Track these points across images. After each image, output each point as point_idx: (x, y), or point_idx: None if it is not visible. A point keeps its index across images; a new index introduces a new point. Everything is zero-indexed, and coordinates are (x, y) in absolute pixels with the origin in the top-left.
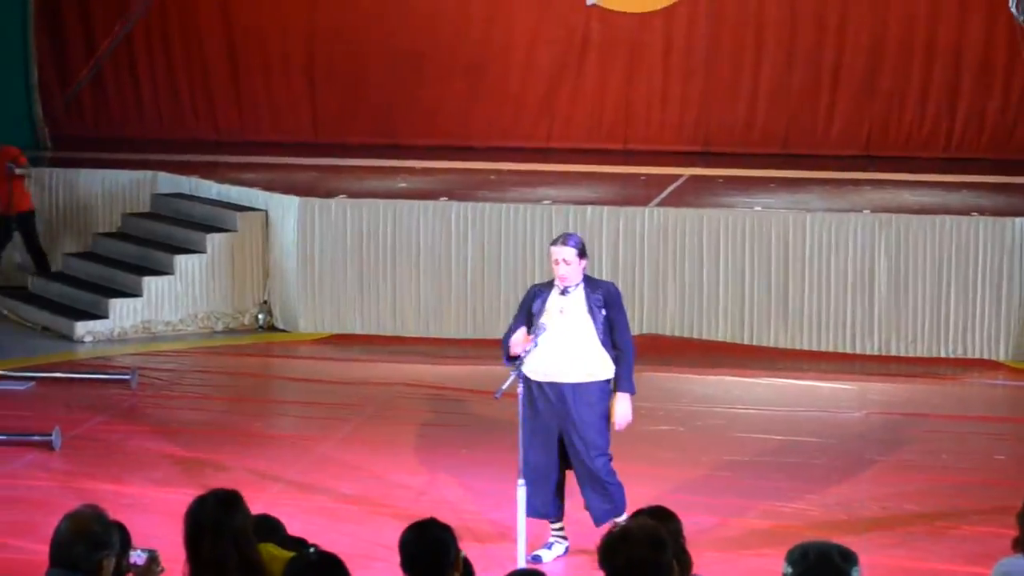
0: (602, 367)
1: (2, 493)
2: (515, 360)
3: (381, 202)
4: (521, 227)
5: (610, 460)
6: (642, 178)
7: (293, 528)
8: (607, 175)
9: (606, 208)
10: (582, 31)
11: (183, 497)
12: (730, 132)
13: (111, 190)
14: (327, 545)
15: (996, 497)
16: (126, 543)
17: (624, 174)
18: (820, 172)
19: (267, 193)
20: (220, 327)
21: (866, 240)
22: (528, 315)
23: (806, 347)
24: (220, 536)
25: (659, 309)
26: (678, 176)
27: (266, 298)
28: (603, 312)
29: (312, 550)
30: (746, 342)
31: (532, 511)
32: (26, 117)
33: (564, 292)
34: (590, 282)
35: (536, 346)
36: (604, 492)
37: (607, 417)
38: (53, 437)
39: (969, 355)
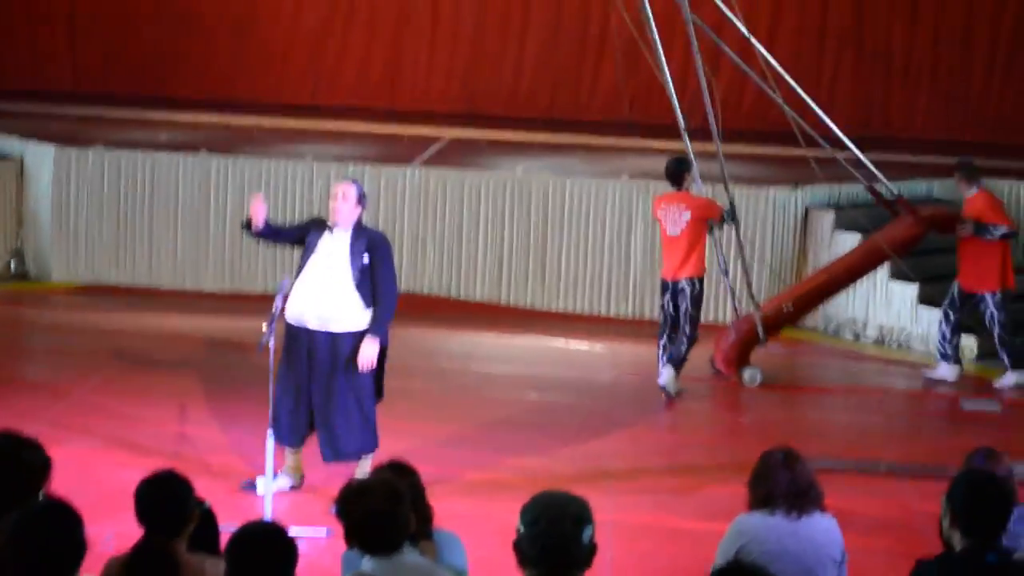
0: (355, 316)
1: None
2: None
3: (140, 153)
4: (282, 183)
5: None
6: (405, 138)
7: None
8: (371, 135)
9: (368, 166)
10: None
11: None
12: (495, 97)
13: None
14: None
15: (737, 456)
16: None
17: (388, 134)
18: (583, 137)
19: (22, 141)
20: None
21: (624, 206)
22: (299, 238)
23: (562, 309)
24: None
25: (418, 268)
26: (441, 138)
27: (19, 246)
28: (364, 259)
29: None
30: (503, 303)
31: (280, 440)
32: None
33: (330, 230)
34: (359, 230)
35: (280, 306)
36: (332, 434)
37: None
38: None
39: (723, 321)
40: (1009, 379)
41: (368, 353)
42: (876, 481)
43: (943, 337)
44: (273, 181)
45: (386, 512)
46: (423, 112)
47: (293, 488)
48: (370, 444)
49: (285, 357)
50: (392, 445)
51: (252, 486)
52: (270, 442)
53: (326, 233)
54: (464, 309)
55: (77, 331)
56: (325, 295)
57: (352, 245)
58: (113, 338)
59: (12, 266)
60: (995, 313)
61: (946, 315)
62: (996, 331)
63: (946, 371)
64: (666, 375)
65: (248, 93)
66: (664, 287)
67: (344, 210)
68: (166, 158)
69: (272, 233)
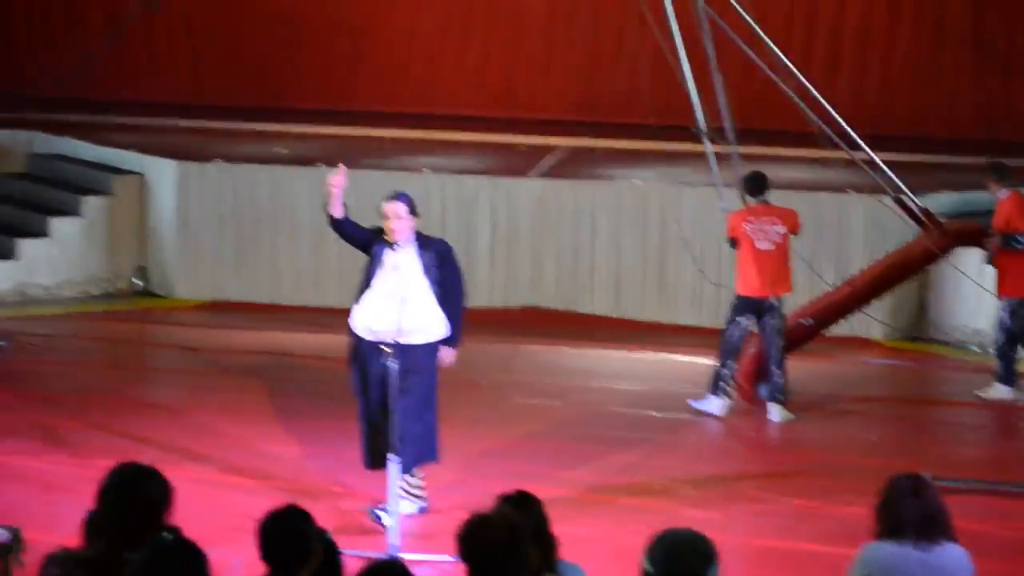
0: (436, 329)
1: None
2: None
3: (259, 167)
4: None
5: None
6: (523, 148)
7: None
8: (488, 144)
9: (485, 178)
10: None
11: (54, 466)
12: (612, 102)
13: None
14: (196, 518)
15: (866, 478)
16: None
17: (505, 144)
18: (697, 145)
19: (144, 156)
20: (97, 292)
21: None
22: (366, 245)
23: (683, 322)
24: (118, 502)
25: (536, 281)
26: (558, 147)
27: (143, 263)
28: (436, 271)
29: (168, 534)
30: (623, 317)
31: (372, 463)
32: None
33: (393, 247)
34: (422, 240)
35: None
36: (408, 447)
37: (432, 377)
38: None
39: (844, 333)
40: (997, 392)
41: (449, 360)
42: (1008, 502)
43: (999, 354)
44: (387, 192)
45: (506, 548)
46: (540, 120)
47: (422, 511)
48: (428, 453)
49: (360, 374)
50: (513, 466)
51: (378, 517)
52: (393, 467)
53: (388, 248)
54: (583, 323)
55: (199, 349)
56: (405, 308)
57: (421, 258)
58: (234, 356)
59: (137, 283)
60: (1006, 320)
61: (1005, 330)
62: (999, 337)
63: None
64: (777, 412)
65: (365, 103)
66: (748, 305)
67: (401, 228)
68: (285, 172)
69: (349, 228)
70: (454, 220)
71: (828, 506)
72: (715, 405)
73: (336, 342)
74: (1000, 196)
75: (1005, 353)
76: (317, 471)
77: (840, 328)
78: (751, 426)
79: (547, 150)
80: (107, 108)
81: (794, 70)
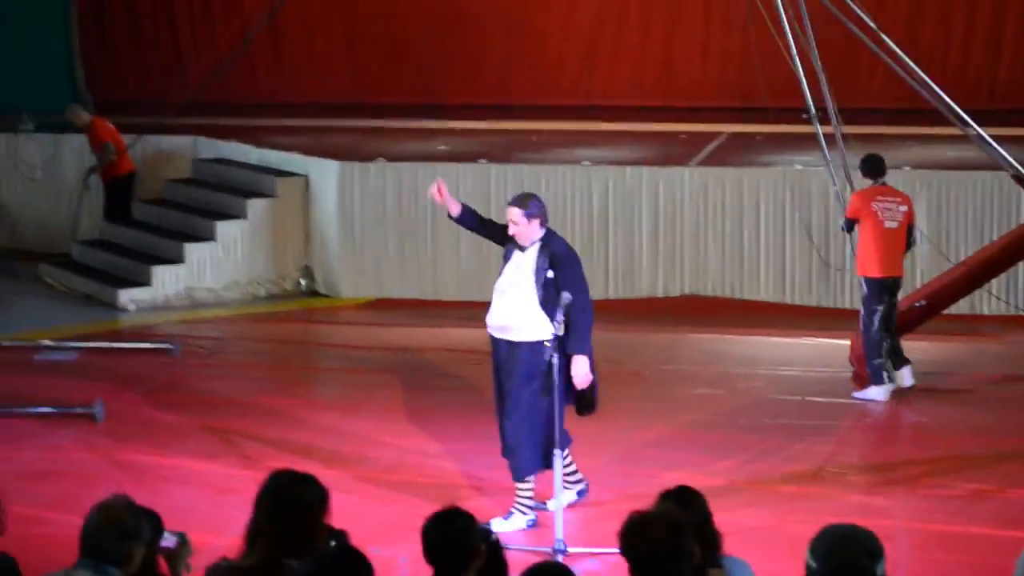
0: (536, 329)
1: (45, 466)
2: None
3: (420, 165)
4: (560, 189)
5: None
6: (682, 136)
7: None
8: (647, 133)
9: (645, 169)
10: None
11: (223, 469)
12: (770, 88)
13: (153, 155)
14: (364, 519)
15: None
16: (157, 530)
17: (664, 132)
18: (858, 127)
19: (307, 158)
20: (262, 293)
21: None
22: (501, 240)
23: (848, 306)
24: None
25: (700, 270)
26: (718, 134)
27: (308, 263)
28: (547, 273)
29: (334, 544)
30: (787, 302)
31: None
32: (68, 80)
33: (522, 249)
34: (548, 242)
35: (561, 319)
36: (510, 457)
37: (535, 379)
38: (96, 409)
39: (1011, 312)
40: None
41: (579, 371)
42: None
43: None
44: (552, 187)
45: (669, 547)
46: (697, 108)
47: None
48: (527, 467)
49: (493, 367)
50: (678, 455)
51: (540, 506)
52: (558, 462)
53: (516, 248)
54: (748, 309)
55: (365, 347)
56: (509, 306)
57: (538, 260)
58: (400, 354)
59: (302, 284)
60: None
61: None
62: None
63: None
64: (908, 374)
65: (522, 96)
66: (883, 288)
67: (519, 232)
68: (446, 169)
69: (476, 222)
70: (615, 211)
71: (1000, 490)
72: (877, 392)
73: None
74: None
75: None
76: (473, 465)
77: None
78: (914, 410)
79: (707, 137)
80: (269, 111)
81: (896, 49)
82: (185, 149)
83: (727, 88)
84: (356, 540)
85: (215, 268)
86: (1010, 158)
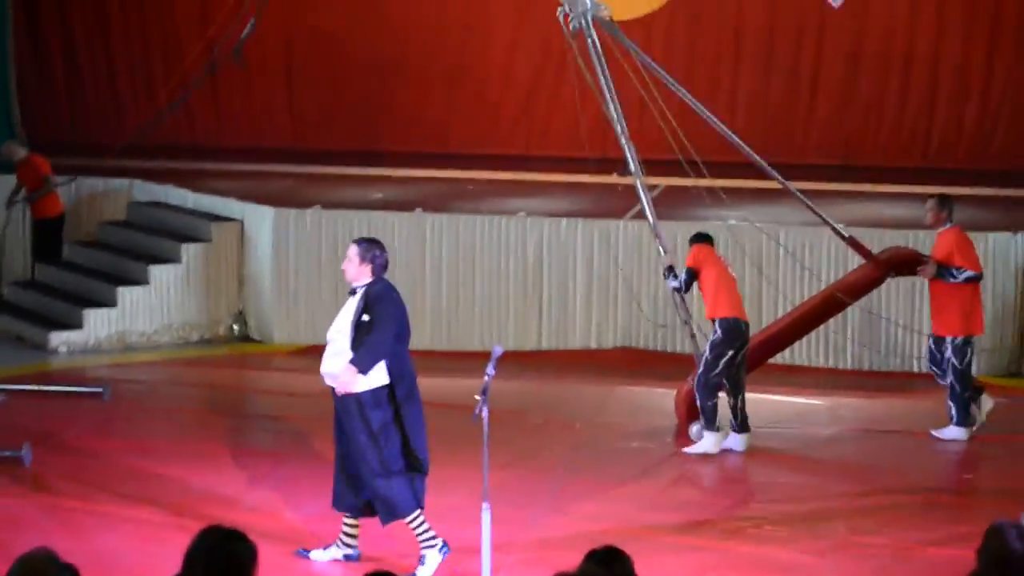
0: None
1: None
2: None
3: (356, 213)
4: (495, 239)
5: (379, 471)
6: (618, 188)
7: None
8: (584, 185)
9: (580, 220)
10: (560, 39)
11: (152, 515)
12: (707, 141)
13: (88, 197)
14: (294, 572)
15: (964, 518)
16: None
17: (601, 184)
18: (797, 183)
19: (242, 203)
20: (195, 338)
21: (840, 254)
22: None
23: (779, 362)
24: (214, 568)
25: (633, 322)
26: (655, 186)
27: (241, 308)
28: (362, 317)
29: None
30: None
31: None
32: (3, 119)
33: (353, 292)
34: (370, 287)
35: (492, 374)
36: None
37: (370, 430)
38: (23, 452)
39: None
40: (949, 432)
41: (343, 378)
42: None
43: (950, 392)
44: (487, 237)
45: None
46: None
47: (347, 558)
48: (387, 513)
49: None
50: (610, 509)
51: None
52: (486, 516)
53: (351, 294)
54: (680, 363)
55: (298, 394)
56: (332, 356)
57: (358, 304)
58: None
59: (235, 329)
60: (952, 360)
61: (936, 374)
62: (949, 379)
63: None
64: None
65: (461, 145)
66: (741, 328)
67: (349, 270)
68: (381, 217)
69: None
70: (549, 262)
71: (926, 548)
72: (711, 442)
73: (432, 385)
74: (940, 229)
75: (955, 394)
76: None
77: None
78: (845, 468)
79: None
80: (207, 154)
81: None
82: (120, 192)
83: (663, 141)
84: None
85: (148, 312)
86: (811, 205)
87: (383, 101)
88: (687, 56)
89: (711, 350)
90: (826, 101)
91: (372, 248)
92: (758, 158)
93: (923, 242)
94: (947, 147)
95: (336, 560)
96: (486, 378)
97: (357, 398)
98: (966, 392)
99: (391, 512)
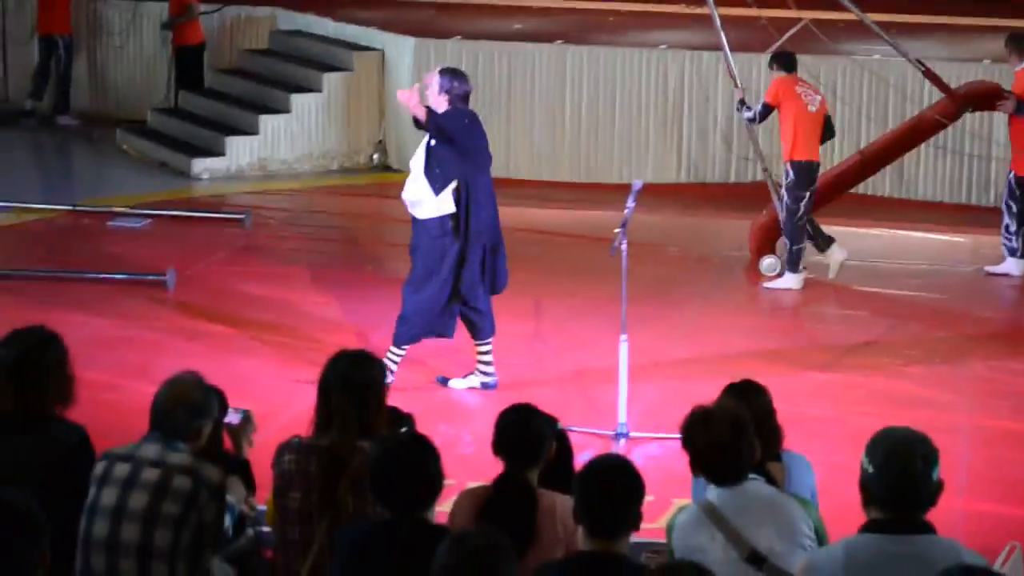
0: (427, 206)
1: (116, 333)
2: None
3: (496, 44)
4: (636, 72)
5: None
6: (762, 21)
7: (399, 379)
8: (726, 18)
9: (720, 54)
10: None
11: (291, 341)
12: None
13: (231, 25)
14: (430, 395)
15: None
16: (223, 407)
17: (745, 16)
18: (940, 17)
19: (383, 33)
20: (336, 166)
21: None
22: None
23: (920, 198)
24: (344, 391)
25: (773, 156)
26: (798, 20)
27: (381, 138)
28: (430, 143)
29: (405, 429)
30: (861, 192)
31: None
32: None
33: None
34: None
35: (632, 206)
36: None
37: (426, 257)
38: (167, 277)
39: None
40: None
41: (403, 97)
42: None
43: (1006, 229)
44: (627, 70)
45: (728, 443)
46: None
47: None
48: (399, 336)
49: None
50: (746, 344)
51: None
52: (623, 347)
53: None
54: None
55: None
56: (411, 182)
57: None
58: None
59: (375, 158)
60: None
61: (1007, 207)
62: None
63: (1011, 266)
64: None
65: None
66: (813, 170)
67: (428, 98)
68: (522, 48)
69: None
70: (689, 96)
71: None
72: (792, 280)
73: (568, 217)
74: (1017, 68)
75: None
76: (546, 345)
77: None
78: (988, 306)
79: (787, 24)
80: None
81: None
82: (263, 19)
83: None
84: (423, 418)
85: (289, 140)
86: (890, 40)
87: None
88: None
89: (788, 194)
90: None
91: (453, 79)
92: None
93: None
94: None
95: (473, 388)
96: (626, 211)
97: (426, 224)
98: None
99: (399, 337)
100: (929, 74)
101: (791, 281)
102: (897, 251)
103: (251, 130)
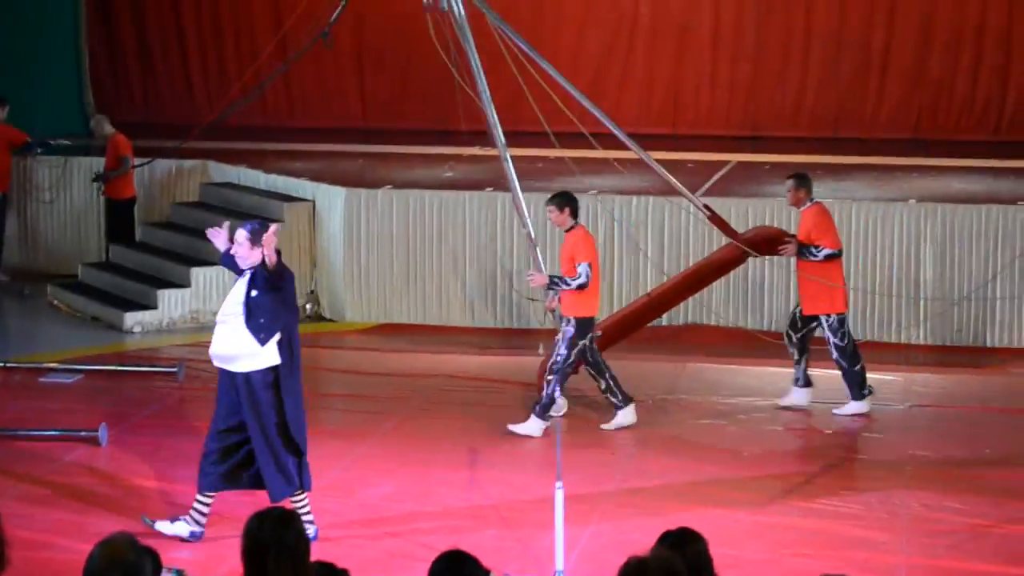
0: (251, 359)
1: (49, 490)
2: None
3: (427, 192)
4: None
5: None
6: (690, 165)
7: (335, 532)
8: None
9: (651, 198)
10: (631, 14)
11: (227, 495)
12: (778, 116)
13: (161, 179)
14: (367, 549)
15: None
16: (157, 568)
17: (672, 160)
18: (868, 158)
19: (314, 183)
20: None
21: (911, 229)
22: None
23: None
24: (281, 555)
25: (703, 299)
26: (725, 162)
27: (313, 288)
28: (251, 293)
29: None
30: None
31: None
32: (77, 104)
33: (241, 273)
34: (259, 267)
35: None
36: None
37: (265, 410)
38: (100, 433)
39: (1017, 345)
40: (850, 408)
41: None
42: None
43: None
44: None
45: None
46: (704, 135)
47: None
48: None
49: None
50: (681, 484)
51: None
52: (559, 494)
53: (239, 275)
54: (750, 340)
55: (370, 372)
56: (230, 334)
57: (248, 283)
58: (405, 380)
59: (308, 308)
60: (830, 337)
61: (788, 337)
62: (834, 356)
63: (798, 396)
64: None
65: (531, 124)
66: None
67: (238, 253)
68: (452, 196)
69: (229, 259)
70: (619, 240)
71: (1002, 526)
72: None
73: (502, 362)
74: (802, 208)
75: (843, 369)
76: (486, 494)
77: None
78: (919, 443)
79: (714, 166)
80: (278, 134)
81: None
82: (193, 172)
83: (734, 117)
84: (359, 572)
85: (221, 291)
86: (674, 181)
87: (453, 80)
88: (758, 31)
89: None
90: (897, 75)
91: (262, 231)
92: (619, 130)
93: (995, 217)
94: (1020, 121)
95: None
96: (558, 358)
97: (255, 374)
98: (854, 367)
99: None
100: (715, 218)
101: (535, 427)
102: (825, 388)
103: (183, 282)
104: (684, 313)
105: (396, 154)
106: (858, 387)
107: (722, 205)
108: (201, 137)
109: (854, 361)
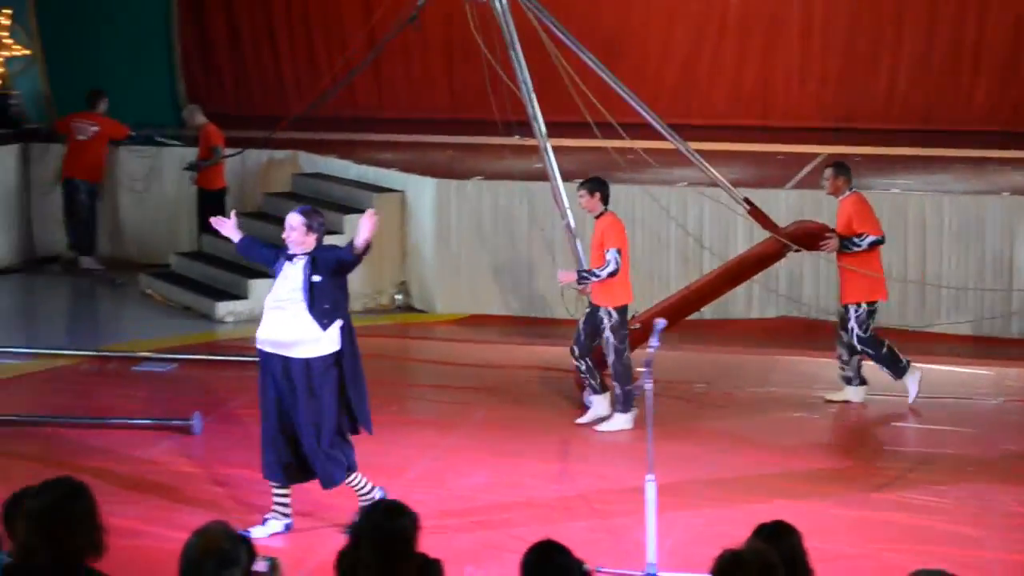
0: (314, 345)
1: (141, 479)
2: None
3: (517, 183)
4: (657, 209)
5: (329, 435)
6: (779, 157)
7: (426, 522)
8: (745, 153)
9: (740, 190)
10: (720, 5)
11: (316, 486)
12: (870, 108)
13: (253, 170)
14: (459, 539)
15: None
16: (252, 557)
17: (762, 152)
18: (960, 150)
19: (404, 174)
20: (359, 307)
21: (1004, 222)
22: (271, 259)
23: (944, 331)
24: (376, 541)
25: (795, 293)
26: (816, 155)
27: (404, 278)
28: (313, 279)
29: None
30: (883, 325)
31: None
32: (168, 95)
33: (290, 258)
34: (318, 253)
35: (655, 345)
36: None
37: (325, 396)
38: (193, 422)
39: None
40: (909, 386)
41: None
42: None
43: (839, 359)
44: (646, 207)
45: None
46: (795, 128)
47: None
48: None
49: (260, 383)
50: (767, 481)
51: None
52: (651, 487)
53: (287, 260)
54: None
55: (461, 363)
56: (286, 323)
57: (305, 269)
58: (496, 371)
59: (398, 299)
60: (855, 328)
61: (839, 337)
62: (859, 348)
63: (851, 393)
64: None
65: (620, 115)
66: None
67: (291, 239)
68: (542, 187)
69: (250, 251)
70: (710, 232)
71: None
72: (625, 420)
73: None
74: (840, 197)
75: (870, 357)
76: (575, 484)
77: None
78: (1013, 438)
79: (804, 159)
80: (368, 125)
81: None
82: (284, 163)
83: (825, 109)
84: (450, 562)
85: None
86: (715, 173)
87: (542, 73)
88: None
89: (614, 334)
90: (989, 68)
91: (316, 216)
92: (659, 122)
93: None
94: None
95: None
96: (649, 350)
97: (315, 360)
98: (880, 351)
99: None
100: (754, 212)
101: (625, 421)
102: (923, 385)
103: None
104: (776, 306)
105: (486, 145)
106: (895, 364)
107: (812, 198)
108: (291, 128)
109: (879, 346)
